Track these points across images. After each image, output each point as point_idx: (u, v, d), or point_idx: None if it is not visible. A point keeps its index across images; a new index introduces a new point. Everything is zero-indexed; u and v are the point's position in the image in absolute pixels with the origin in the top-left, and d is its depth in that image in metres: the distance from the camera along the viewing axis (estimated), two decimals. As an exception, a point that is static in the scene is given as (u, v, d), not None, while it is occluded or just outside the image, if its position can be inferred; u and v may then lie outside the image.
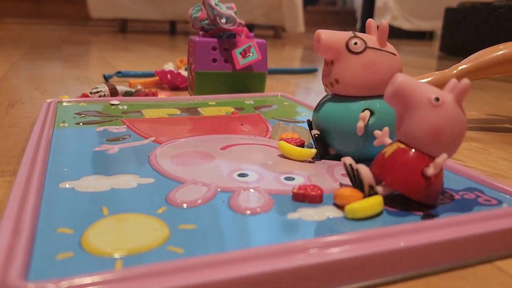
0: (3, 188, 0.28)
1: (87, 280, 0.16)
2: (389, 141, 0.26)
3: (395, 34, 2.41)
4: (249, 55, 0.57)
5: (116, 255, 0.18)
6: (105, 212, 0.22)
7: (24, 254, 0.17)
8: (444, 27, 1.48)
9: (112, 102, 0.48)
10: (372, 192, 0.24)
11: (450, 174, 0.30)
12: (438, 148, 0.24)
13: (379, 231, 0.20)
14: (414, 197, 0.24)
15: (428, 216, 0.23)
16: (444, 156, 0.23)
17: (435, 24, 2.44)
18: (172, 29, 2.16)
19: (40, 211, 0.22)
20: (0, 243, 0.17)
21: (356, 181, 0.25)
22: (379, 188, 0.25)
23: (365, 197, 0.24)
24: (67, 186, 0.25)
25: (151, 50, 1.26)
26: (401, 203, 0.25)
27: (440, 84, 0.25)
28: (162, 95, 0.58)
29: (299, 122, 0.44)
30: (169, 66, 0.72)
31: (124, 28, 2.06)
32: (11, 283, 0.15)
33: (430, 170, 0.23)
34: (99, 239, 0.19)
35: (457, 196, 0.26)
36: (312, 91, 0.73)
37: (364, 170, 0.24)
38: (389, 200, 0.25)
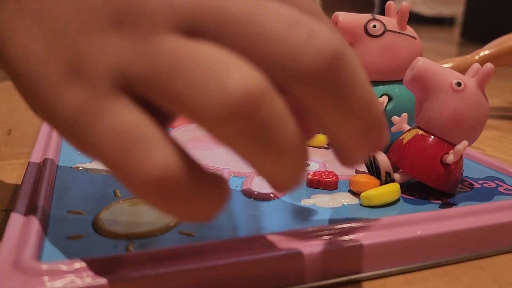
0: (17, 170, 0.28)
1: (99, 262, 0.15)
2: (407, 127, 0.26)
3: (414, 19, 2.34)
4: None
5: (128, 238, 0.18)
6: (118, 194, 0.22)
7: (37, 235, 0.17)
8: (467, 12, 1.43)
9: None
10: (389, 179, 0.24)
11: (470, 162, 0.29)
12: (459, 135, 0.23)
13: (395, 219, 0.20)
14: (433, 185, 0.23)
15: (446, 204, 0.23)
16: (464, 143, 0.22)
17: (455, 10, 2.37)
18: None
19: (53, 193, 0.22)
20: (14, 224, 0.18)
21: (373, 167, 0.24)
22: (396, 175, 0.24)
23: (381, 184, 0.24)
24: (81, 168, 0.25)
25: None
26: (419, 191, 0.24)
27: (461, 70, 0.24)
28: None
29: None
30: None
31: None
32: (24, 264, 0.15)
33: (450, 158, 0.22)
34: (111, 222, 0.19)
35: (476, 185, 0.25)
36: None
37: (381, 157, 0.24)
38: (406, 188, 0.24)
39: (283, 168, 0.13)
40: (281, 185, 0.13)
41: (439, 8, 2.47)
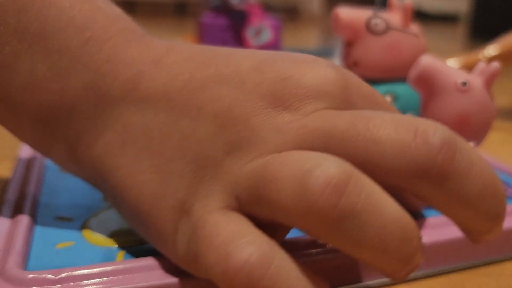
0: (4, 174, 0.27)
1: (87, 271, 0.15)
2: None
3: (417, 16, 2.33)
4: (262, 37, 0.55)
5: (118, 246, 0.17)
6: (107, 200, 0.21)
7: (23, 242, 0.16)
8: (475, 7, 1.41)
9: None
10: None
11: (475, 164, 0.28)
12: (465, 136, 0.22)
13: (399, 225, 0.19)
14: (437, 189, 0.22)
15: (451, 209, 0.22)
16: (470, 144, 0.21)
17: (460, 6, 2.36)
18: (180, 11, 2.12)
19: (40, 198, 0.21)
20: (-1, 231, 0.17)
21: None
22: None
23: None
24: (70, 171, 0.24)
25: (159, 33, 1.24)
26: (423, 194, 0.23)
27: (467, 69, 0.23)
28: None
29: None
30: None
31: (131, 11, 2.04)
32: (9, 273, 0.15)
33: (456, 160, 0.21)
34: (100, 229, 0.18)
35: (483, 188, 0.25)
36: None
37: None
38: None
39: (388, 259, 0.12)
40: (390, 274, 0.13)
41: (443, 3, 2.45)
